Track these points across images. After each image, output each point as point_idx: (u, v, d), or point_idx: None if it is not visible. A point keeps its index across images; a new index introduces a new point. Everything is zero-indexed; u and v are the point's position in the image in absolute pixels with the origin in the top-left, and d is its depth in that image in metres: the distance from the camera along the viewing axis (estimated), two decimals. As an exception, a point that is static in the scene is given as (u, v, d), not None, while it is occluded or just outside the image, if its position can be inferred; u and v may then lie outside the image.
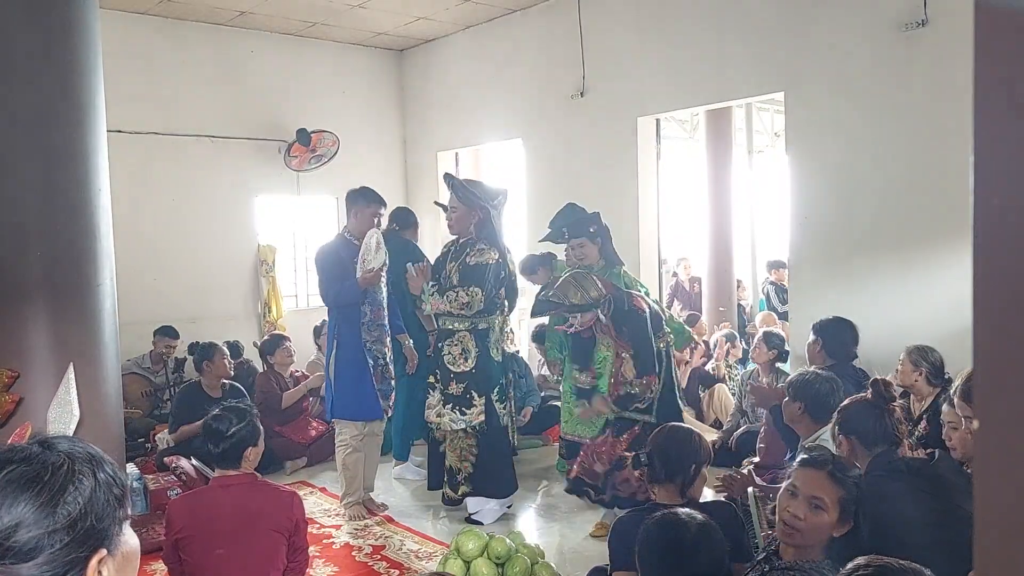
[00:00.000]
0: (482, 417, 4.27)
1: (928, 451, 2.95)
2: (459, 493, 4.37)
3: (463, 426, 4.28)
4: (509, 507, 4.56)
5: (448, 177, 4.54)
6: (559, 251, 5.05)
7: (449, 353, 4.33)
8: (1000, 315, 0.74)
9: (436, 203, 5.16)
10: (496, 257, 4.30)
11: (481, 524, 4.25)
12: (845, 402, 2.86)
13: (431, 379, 4.44)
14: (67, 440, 1.10)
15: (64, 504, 1.02)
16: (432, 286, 4.35)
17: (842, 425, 2.75)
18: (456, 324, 4.34)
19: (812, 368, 3.68)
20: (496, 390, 4.37)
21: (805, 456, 2.28)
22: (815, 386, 3.28)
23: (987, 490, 0.77)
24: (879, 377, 2.85)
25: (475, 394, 4.28)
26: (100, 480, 1.07)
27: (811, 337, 4.32)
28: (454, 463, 4.35)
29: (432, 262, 4.66)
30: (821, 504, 2.11)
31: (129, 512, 1.13)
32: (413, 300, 4.78)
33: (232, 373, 5.57)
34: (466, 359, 4.30)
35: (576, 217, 4.60)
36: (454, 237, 4.52)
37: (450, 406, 4.29)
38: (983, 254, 0.74)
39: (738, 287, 8.53)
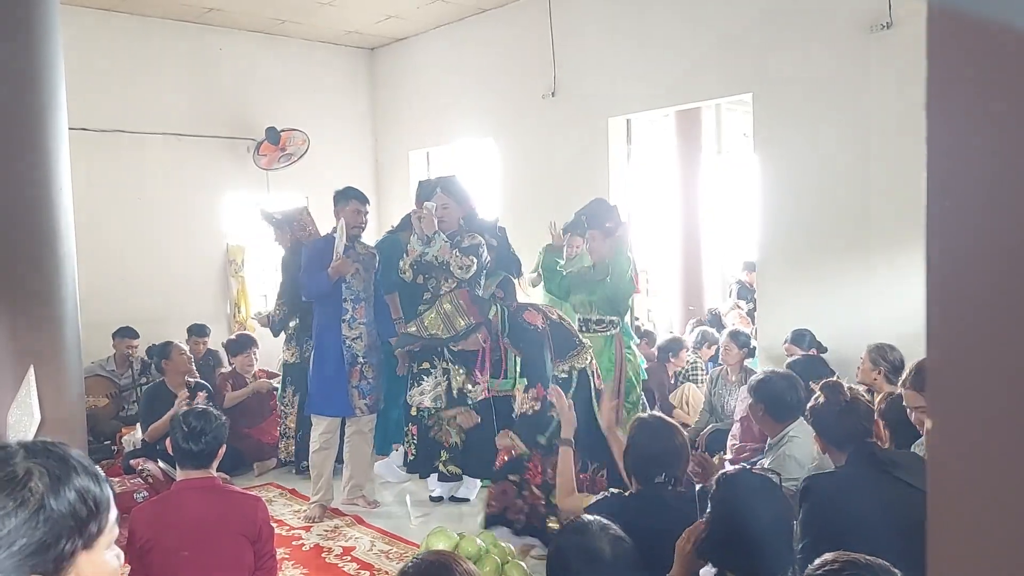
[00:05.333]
0: (485, 394, 4.54)
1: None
2: (457, 467, 4.69)
3: (469, 403, 4.56)
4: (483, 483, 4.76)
5: (439, 179, 4.75)
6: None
7: None
8: (952, 313, 0.75)
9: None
10: (481, 241, 4.57)
11: (468, 501, 4.72)
12: (811, 405, 2.84)
13: (425, 364, 4.60)
14: (25, 454, 1.04)
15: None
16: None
17: (815, 430, 2.78)
18: None
19: (770, 368, 3.71)
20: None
21: None
22: (771, 385, 3.30)
23: (940, 488, 0.78)
24: (829, 380, 2.82)
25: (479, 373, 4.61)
26: (50, 504, 1.00)
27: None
28: (457, 441, 4.65)
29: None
30: None
31: (101, 530, 1.06)
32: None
33: (195, 368, 5.48)
34: None
35: (597, 209, 4.74)
36: (435, 231, 4.54)
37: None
38: (936, 254, 0.75)
39: (731, 294, 8.56)
